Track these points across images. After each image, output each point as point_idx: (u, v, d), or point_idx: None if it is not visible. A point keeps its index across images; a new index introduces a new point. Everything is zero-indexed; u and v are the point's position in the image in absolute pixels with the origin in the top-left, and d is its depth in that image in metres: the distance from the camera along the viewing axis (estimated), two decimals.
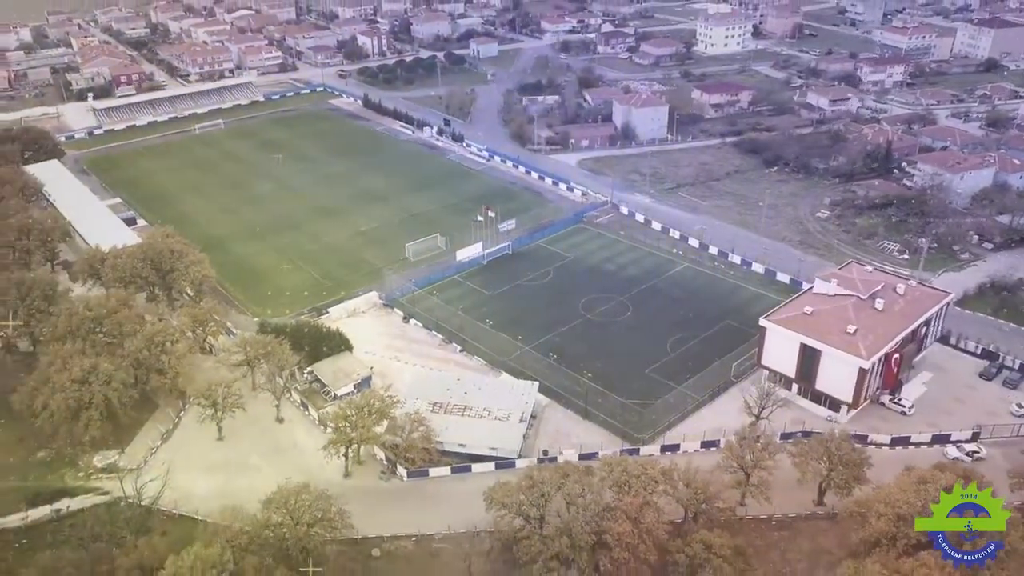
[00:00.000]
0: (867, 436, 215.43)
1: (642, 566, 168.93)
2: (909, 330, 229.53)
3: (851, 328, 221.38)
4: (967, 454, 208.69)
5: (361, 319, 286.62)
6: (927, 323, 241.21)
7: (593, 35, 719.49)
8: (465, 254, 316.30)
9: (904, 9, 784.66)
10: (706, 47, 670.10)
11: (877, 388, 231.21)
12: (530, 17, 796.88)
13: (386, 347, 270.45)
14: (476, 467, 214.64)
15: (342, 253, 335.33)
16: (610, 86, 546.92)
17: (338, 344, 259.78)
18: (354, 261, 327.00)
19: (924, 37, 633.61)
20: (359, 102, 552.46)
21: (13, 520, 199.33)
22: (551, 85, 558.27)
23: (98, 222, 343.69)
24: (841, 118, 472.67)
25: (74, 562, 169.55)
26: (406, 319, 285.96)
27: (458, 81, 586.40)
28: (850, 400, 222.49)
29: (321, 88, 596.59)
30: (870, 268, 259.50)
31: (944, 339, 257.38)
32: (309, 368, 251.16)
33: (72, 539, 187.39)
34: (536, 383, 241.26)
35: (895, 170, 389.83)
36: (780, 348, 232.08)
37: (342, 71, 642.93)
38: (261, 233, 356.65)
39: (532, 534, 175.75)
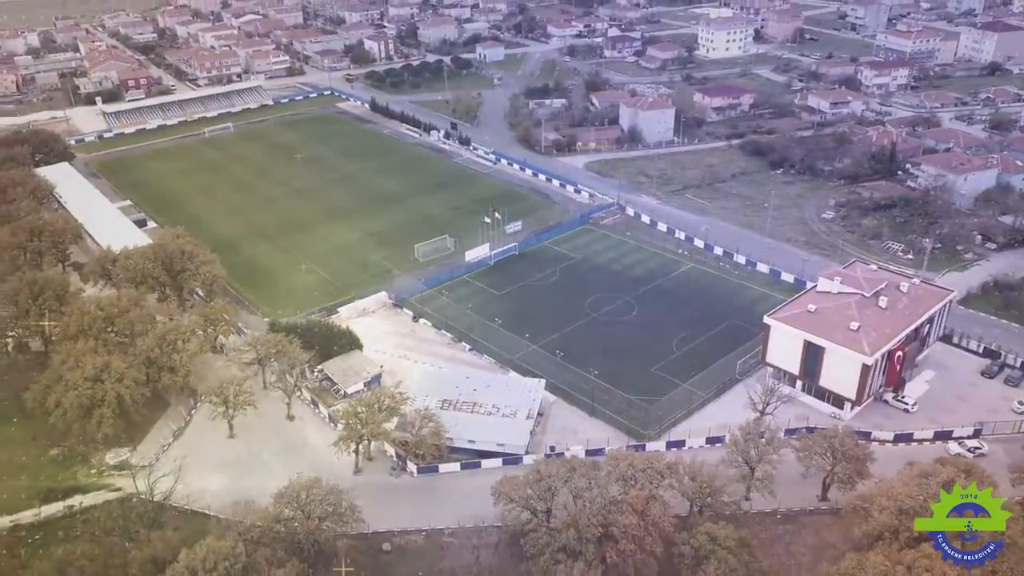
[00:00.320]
0: (870, 433, 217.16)
1: (648, 558, 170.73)
2: (912, 327, 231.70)
3: (854, 325, 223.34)
4: (969, 450, 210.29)
5: (371, 319, 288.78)
6: (930, 321, 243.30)
7: (600, 39, 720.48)
8: (473, 255, 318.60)
9: (908, 14, 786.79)
10: (708, 51, 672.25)
11: (880, 385, 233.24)
12: (536, 22, 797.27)
13: (395, 346, 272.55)
14: (485, 463, 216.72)
15: (351, 254, 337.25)
16: (616, 89, 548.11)
17: (348, 343, 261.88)
18: (363, 262, 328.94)
19: (928, 41, 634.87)
20: (366, 106, 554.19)
21: (26, 516, 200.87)
22: (558, 89, 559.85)
23: (109, 224, 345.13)
24: (843, 121, 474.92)
25: (88, 555, 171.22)
26: (415, 318, 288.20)
27: (465, 85, 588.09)
28: (853, 397, 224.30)
29: (329, 92, 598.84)
30: (874, 267, 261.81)
31: (947, 338, 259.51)
32: (319, 367, 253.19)
33: (85, 534, 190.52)
34: (543, 380, 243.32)
35: (899, 172, 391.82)
36: (784, 345, 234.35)
37: (349, 75, 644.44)
38: (271, 235, 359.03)
39: (539, 527, 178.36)
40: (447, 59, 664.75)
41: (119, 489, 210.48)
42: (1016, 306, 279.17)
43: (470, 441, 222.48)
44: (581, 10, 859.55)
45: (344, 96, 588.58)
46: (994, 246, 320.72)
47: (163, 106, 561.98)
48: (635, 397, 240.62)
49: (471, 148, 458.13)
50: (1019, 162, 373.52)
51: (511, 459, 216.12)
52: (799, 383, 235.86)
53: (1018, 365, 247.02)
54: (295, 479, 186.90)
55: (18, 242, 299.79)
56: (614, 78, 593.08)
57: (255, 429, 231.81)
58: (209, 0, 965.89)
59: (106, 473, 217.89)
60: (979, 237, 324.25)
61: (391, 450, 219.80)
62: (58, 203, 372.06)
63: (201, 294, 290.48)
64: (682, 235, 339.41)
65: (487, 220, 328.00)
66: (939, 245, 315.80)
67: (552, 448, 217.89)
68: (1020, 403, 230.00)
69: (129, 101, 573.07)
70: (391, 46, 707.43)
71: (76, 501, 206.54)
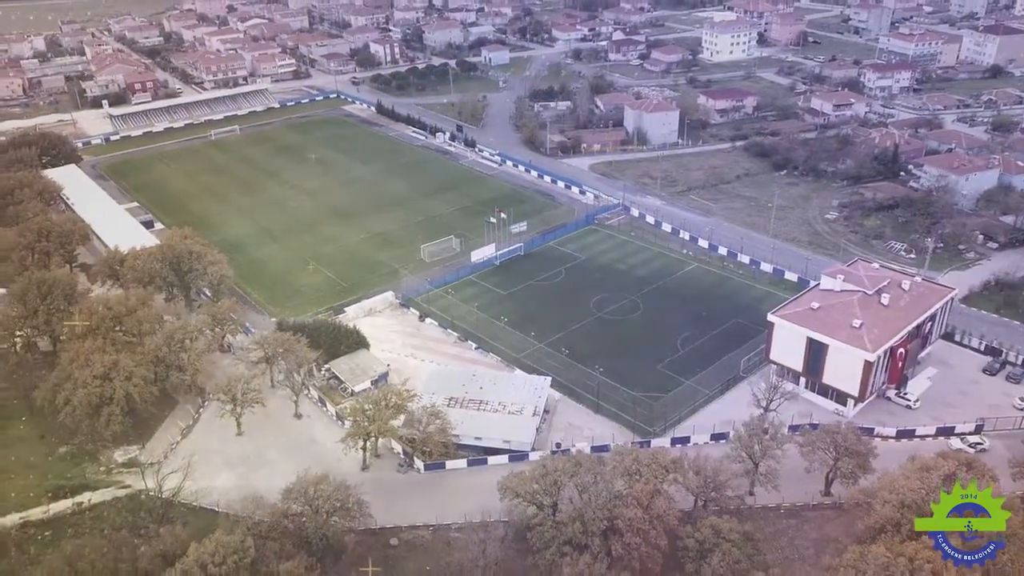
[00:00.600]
0: (873, 429, 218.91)
1: (653, 551, 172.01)
2: (914, 324, 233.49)
3: (857, 322, 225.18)
4: (970, 446, 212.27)
5: (377, 318, 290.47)
6: (932, 318, 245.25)
7: (604, 43, 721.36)
8: (479, 255, 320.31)
9: (911, 17, 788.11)
10: (712, 54, 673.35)
11: (883, 382, 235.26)
12: (541, 25, 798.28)
13: (402, 345, 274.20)
14: (491, 460, 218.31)
15: (358, 255, 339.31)
16: (621, 92, 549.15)
17: (355, 342, 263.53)
18: (370, 263, 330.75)
19: (930, 44, 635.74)
20: (372, 108, 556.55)
21: (36, 513, 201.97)
22: (563, 91, 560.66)
23: (116, 225, 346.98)
24: (846, 123, 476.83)
25: (97, 549, 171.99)
26: (422, 318, 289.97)
27: (470, 88, 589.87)
28: (856, 393, 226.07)
29: (335, 95, 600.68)
30: (876, 265, 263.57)
31: (949, 336, 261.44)
32: (327, 365, 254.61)
33: (94, 530, 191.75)
34: (549, 378, 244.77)
35: (902, 173, 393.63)
36: (788, 343, 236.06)
37: (355, 78, 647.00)
38: (277, 235, 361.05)
39: (545, 521, 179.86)
40: (452, 62, 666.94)
41: (128, 486, 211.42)
42: (1017, 304, 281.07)
43: (476, 438, 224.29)
44: (586, 14, 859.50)
45: (350, 99, 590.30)
46: (995, 245, 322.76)
47: (169, 109, 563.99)
48: (640, 394, 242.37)
49: (477, 150, 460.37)
50: (1020, 163, 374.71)
51: (517, 456, 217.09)
52: (802, 380, 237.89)
53: (1019, 362, 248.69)
54: (303, 474, 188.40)
55: (26, 243, 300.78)
56: (619, 81, 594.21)
57: (263, 427, 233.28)
58: (215, 4, 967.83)
59: (115, 471, 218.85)
60: (981, 236, 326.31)
61: (398, 447, 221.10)
62: (65, 204, 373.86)
63: (208, 294, 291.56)
64: (686, 235, 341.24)
65: (492, 220, 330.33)
66: (941, 244, 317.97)
67: (558, 445, 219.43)
68: (1021, 399, 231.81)
69: (135, 104, 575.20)
70: (397, 50, 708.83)
71: (85, 498, 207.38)
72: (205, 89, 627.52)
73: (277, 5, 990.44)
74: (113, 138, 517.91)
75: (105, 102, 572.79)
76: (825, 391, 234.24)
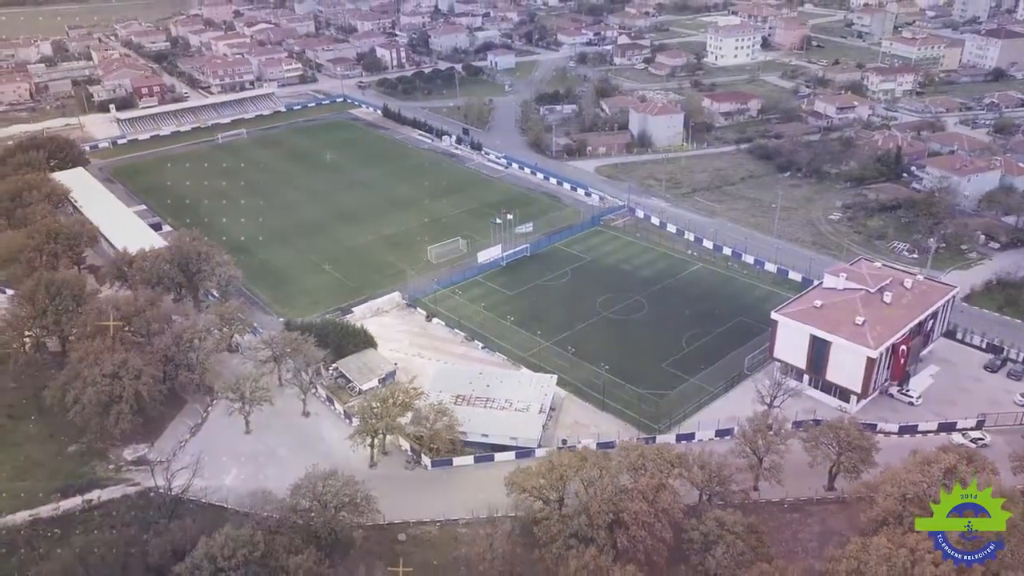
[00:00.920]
0: (876, 425, 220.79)
1: (658, 543, 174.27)
2: (916, 322, 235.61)
3: (859, 320, 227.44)
4: (972, 441, 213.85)
5: (384, 318, 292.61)
6: (934, 316, 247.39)
7: (609, 47, 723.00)
8: (485, 256, 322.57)
9: (914, 21, 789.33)
10: (716, 58, 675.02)
11: (885, 379, 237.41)
12: (547, 30, 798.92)
13: (409, 344, 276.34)
14: (498, 456, 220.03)
15: (365, 256, 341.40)
16: (626, 95, 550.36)
17: (363, 341, 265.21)
18: (377, 264, 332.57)
19: (933, 47, 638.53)
20: (379, 112, 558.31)
21: (45, 511, 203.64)
22: (568, 95, 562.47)
23: (124, 227, 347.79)
24: (849, 125, 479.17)
25: (108, 543, 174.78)
26: (429, 318, 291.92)
27: (476, 92, 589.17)
28: (859, 390, 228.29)
29: (341, 99, 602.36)
30: (879, 264, 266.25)
31: (950, 334, 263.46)
32: (334, 364, 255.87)
33: (103, 527, 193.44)
34: (555, 376, 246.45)
35: (904, 174, 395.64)
36: (791, 340, 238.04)
37: (361, 82, 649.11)
38: (285, 237, 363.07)
39: (552, 514, 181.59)
40: (458, 66, 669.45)
41: (137, 484, 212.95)
42: (1018, 303, 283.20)
43: (483, 435, 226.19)
44: (591, 18, 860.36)
45: (357, 103, 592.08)
46: (997, 245, 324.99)
47: (176, 113, 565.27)
48: (645, 391, 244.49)
49: (483, 153, 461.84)
50: (1021, 164, 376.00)
51: (524, 452, 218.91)
52: (806, 377, 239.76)
53: (1020, 359, 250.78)
54: (311, 470, 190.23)
55: (34, 244, 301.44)
56: (624, 84, 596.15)
57: (271, 425, 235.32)
58: (221, 9, 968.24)
59: (124, 469, 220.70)
60: (982, 237, 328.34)
61: (406, 445, 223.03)
62: (73, 207, 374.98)
63: (216, 295, 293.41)
64: (691, 236, 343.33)
65: (498, 222, 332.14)
66: (943, 245, 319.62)
67: (564, 441, 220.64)
68: (1022, 396, 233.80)
69: (142, 108, 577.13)
70: (403, 54, 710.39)
71: (94, 495, 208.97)
72: (212, 93, 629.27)
73: (283, 10, 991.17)
74: (120, 142, 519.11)
75: (112, 106, 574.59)
76: (828, 388, 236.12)
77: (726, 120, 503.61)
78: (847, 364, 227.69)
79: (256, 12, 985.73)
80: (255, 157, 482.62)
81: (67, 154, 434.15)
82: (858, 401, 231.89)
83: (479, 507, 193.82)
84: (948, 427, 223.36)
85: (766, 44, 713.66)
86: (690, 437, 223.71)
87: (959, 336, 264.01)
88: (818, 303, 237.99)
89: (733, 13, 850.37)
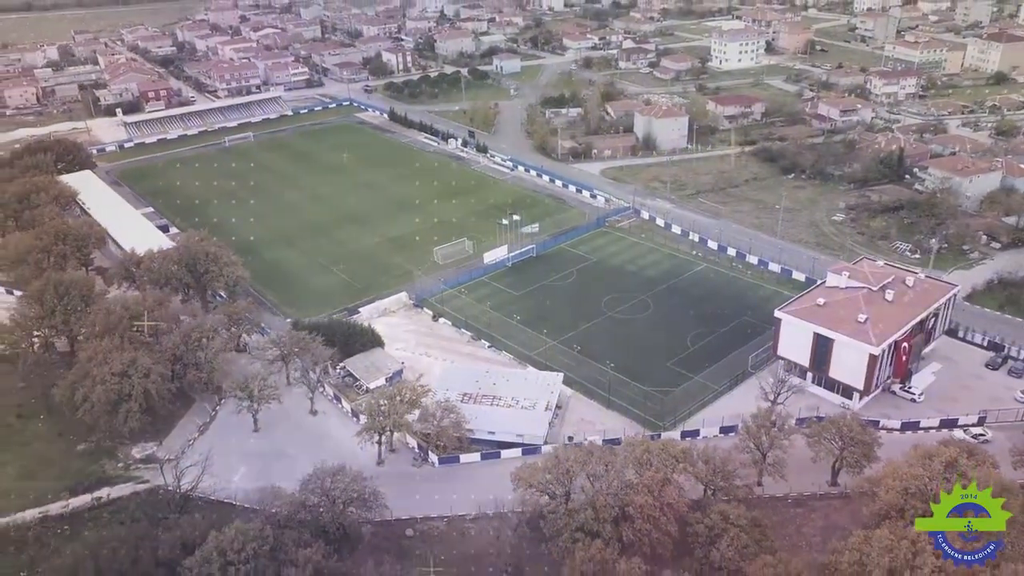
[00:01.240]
0: (878, 421, 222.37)
1: (663, 536, 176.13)
2: (918, 319, 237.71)
3: (862, 317, 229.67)
4: (973, 437, 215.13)
5: (391, 318, 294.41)
6: (935, 314, 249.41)
7: (614, 51, 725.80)
8: (491, 257, 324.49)
9: (917, 26, 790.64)
10: (721, 62, 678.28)
11: (888, 376, 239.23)
12: (552, 34, 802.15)
13: (416, 344, 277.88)
14: (504, 453, 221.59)
15: (372, 258, 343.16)
16: (631, 99, 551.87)
17: (370, 340, 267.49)
18: (383, 265, 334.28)
19: (935, 51, 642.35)
20: (385, 116, 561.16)
21: (55, 508, 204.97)
22: (573, 98, 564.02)
23: (132, 228, 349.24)
24: (852, 128, 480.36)
25: (118, 537, 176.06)
26: (435, 318, 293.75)
27: (482, 96, 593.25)
28: (862, 386, 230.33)
29: (348, 102, 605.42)
30: (881, 263, 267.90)
31: (952, 332, 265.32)
32: (342, 364, 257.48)
33: (113, 523, 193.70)
34: (561, 374, 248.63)
35: (907, 176, 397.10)
36: (795, 338, 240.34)
37: (367, 86, 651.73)
38: (292, 239, 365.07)
39: (558, 508, 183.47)
40: (464, 70, 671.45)
41: (146, 481, 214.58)
42: (1019, 302, 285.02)
43: (490, 432, 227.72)
44: (596, 23, 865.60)
45: (363, 107, 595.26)
46: (998, 245, 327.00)
47: (183, 116, 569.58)
48: (650, 389, 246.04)
49: (489, 156, 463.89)
50: (1022, 165, 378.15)
51: (530, 449, 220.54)
52: (809, 375, 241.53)
53: (1021, 357, 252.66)
54: (320, 466, 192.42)
55: (42, 246, 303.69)
56: (629, 88, 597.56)
57: (279, 424, 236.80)
58: (227, 15, 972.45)
59: (133, 467, 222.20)
60: (984, 237, 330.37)
61: (413, 442, 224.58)
62: (81, 209, 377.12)
63: (224, 295, 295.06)
64: (696, 237, 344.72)
65: (505, 222, 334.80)
66: (946, 245, 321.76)
67: (570, 438, 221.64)
68: (1023, 393, 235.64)
69: (149, 112, 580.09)
70: (409, 58, 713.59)
71: (103, 493, 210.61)
72: (218, 97, 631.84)
73: (290, 15, 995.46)
74: (127, 145, 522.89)
75: (119, 110, 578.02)
76: (831, 385, 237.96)
77: (731, 123, 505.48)
78: (850, 361, 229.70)
79: (262, 17, 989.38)
80: (262, 160, 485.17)
81: (74, 157, 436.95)
82: (861, 398, 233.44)
83: (486, 503, 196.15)
84: (950, 423, 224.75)
85: (770, 48, 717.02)
86: (695, 434, 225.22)
87: (961, 334, 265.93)
88: (821, 301, 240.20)
89: (737, 18, 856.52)
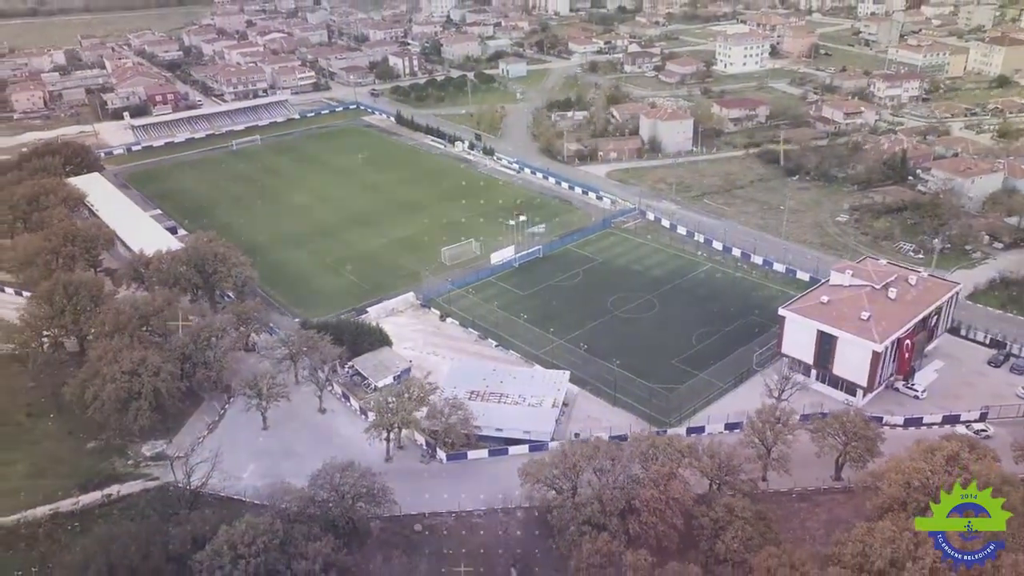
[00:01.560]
0: (882, 417, 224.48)
1: (669, 529, 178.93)
2: (920, 317, 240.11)
3: (865, 315, 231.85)
4: (975, 433, 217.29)
5: (399, 318, 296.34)
6: (938, 312, 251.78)
7: (620, 55, 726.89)
8: (498, 257, 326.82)
9: (920, 30, 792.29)
10: (725, 66, 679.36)
11: (891, 374, 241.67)
12: (558, 39, 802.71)
13: (424, 343, 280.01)
14: (512, 450, 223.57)
15: (379, 259, 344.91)
16: (637, 102, 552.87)
17: (378, 340, 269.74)
18: (391, 266, 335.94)
19: (938, 55, 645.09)
20: (392, 119, 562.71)
21: (65, 505, 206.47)
22: (579, 102, 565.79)
23: (141, 230, 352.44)
24: (856, 130, 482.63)
25: (129, 532, 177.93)
26: (443, 317, 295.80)
27: (488, 99, 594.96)
28: (865, 383, 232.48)
29: (354, 106, 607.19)
30: (884, 262, 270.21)
31: (954, 330, 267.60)
32: (350, 362, 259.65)
33: (123, 519, 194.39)
34: (568, 372, 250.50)
35: (910, 177, 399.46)
36: (799, 336, 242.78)
37: (374, 90, 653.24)
38: (300, 241, 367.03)
39: (565, 502, 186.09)
40: (471, 74, 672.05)
41: (156, 479, 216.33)
42: (1021, 301, 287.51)
43: (497, 429, 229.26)
44: (602, 27, 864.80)
45: (370, 110, 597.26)
46: (1001, 245, 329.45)
47: (191, 120, 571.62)
48: (656, 386, 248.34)
49: (495, 158, 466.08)
50: None
51: (537, 446, 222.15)
52: (813, 372, 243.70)
53: (1023, 354, 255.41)
54: (329, 462, 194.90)
55: (51, 247, 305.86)
56: (634, 92, 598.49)
57: (287, 422, 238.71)
58: (234, 19, 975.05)
59: (143, 464, 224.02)
60: (986, 237, 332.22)
61: (421, 439, 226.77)
62: (89, 211, 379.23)
63: (232, 296, 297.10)
64: (701, 238, 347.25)
65: (511, 223, 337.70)
66: (948, 245, 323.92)
67: (576, 435, 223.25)
68: None
69: (157, 115, 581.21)
70: (415, 62, 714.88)
71: (113, 490, 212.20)
72: (225, 101, 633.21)
73: (296, 20, 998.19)
74: (135, 148, 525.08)
75: (126, 114, 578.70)
76: (835, 382, 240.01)
77: (735, 126, 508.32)
78: (853, 358, 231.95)
79: (269, 22, 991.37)
80: (269, 163, 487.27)
81: (82, 160, 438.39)
82: (864, 395, 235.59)
83: (494, 498, 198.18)
84: (952, 419, 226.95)
85: (774, 52, 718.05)
86: (700, 430, 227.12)
87: (963, 333, 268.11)
88: (825, 299, 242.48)
89: (742, 22, 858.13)
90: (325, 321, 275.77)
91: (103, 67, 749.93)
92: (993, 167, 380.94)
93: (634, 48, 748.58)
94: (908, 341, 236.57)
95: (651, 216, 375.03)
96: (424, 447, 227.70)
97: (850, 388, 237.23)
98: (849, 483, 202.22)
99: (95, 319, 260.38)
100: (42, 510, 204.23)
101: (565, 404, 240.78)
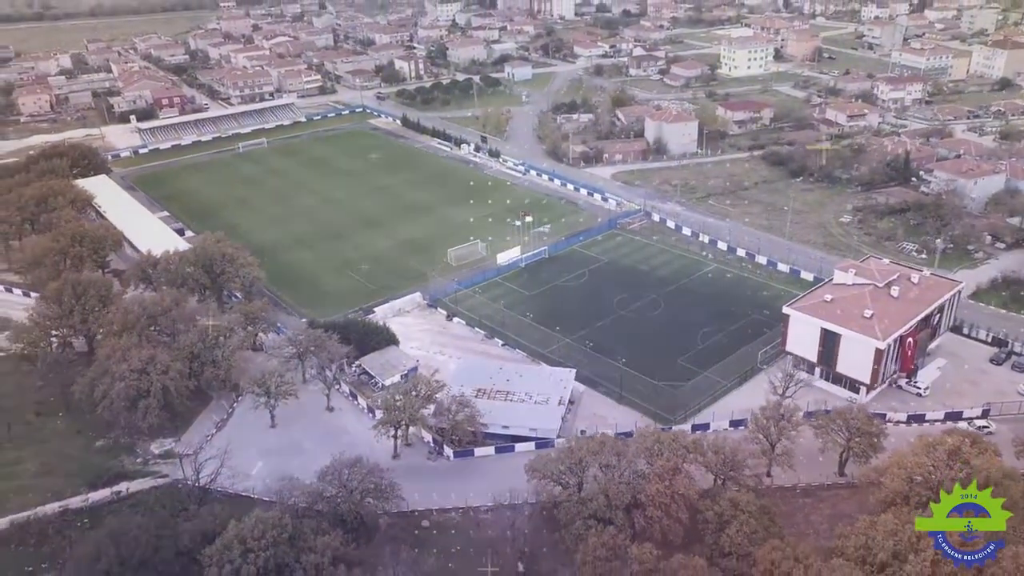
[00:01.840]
0: (885, 414, 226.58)
1: (674, 523, 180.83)
2: (923, 315, 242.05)
3: (868, 313, 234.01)
4: (977, 429, 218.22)
5: (406, 318, 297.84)
6: (940, 310, 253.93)
7: (625, 59, 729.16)
8: (504, 258, 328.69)
9: (923, 34, 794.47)
10: (730, 69, 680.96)
11: (894, 371, 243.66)
12: (563, 43, 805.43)
13: (431, 343, 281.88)
14: (518, 447, 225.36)
15: (386, 260, 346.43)
16: (642, 105, 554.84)
17: (384, 339, 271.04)
18: (397, 267, 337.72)
19: (941, 58, 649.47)
20: (398, 122, 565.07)
21: (75, 502, 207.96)
22: (584, 105, 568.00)
23: (148, 231, 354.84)
24: (859, 132, 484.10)
25: (140, 525, 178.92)
26: (449, 317, 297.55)
27: (494, 102, 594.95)
28: (868, 380, 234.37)
29: (361, 109, 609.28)
30: (887, 261, 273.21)
31: (957, 329, 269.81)
32: (357, 362, 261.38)
33: (133, 515, 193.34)
34: (573, 370, 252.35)
35: (913, 178, 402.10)
36: (802, 334, 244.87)
37: (380, 93, 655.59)
38: (307, 242, 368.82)
39: (571, 497, 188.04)
40: (476, 78, 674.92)
41: (165, 476, 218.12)
42: (1023, 300, 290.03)
43: (504, 427, 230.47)
44: (607, 31, 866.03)
45: (376, 113, 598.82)
46: (1003, 245, 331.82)
47: (197, 123, 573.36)
48: (662, 383, 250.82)
49: (501, 160, 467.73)
50: None
51: (543, 443, 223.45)
52: (817, 370, 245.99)
53: None
54: (337, 457, 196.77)
55: (59, 248, 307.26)
56: (639, 95, 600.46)
57: (296, 419, 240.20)
58: (240, 23, 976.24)
59: (151, 462, 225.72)
60: (989, 237, 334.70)
61: (428, 436, 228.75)
62: (96, 213, 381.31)
63: (240, 296, 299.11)
64: (706, 238, 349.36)
65: (518, 223, 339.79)
66: (951, 245, 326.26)
67: (582, 432, 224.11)
68: None
69: (163, 119, 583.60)
70: (421, 66, 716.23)
71: (123, 487, 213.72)
72: (232, 104, 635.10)
73: (302, 24, 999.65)
74: (142, 151, 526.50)
75: (133, 117, 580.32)
76: (839, 380, 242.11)
77: (740, 128, 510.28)
78: (856, 356, 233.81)
79: (275, 26, 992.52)
80: (276, 165, 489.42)
81: (89, 162, 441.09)
82: (867, 392, 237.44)
83: (501, 494, 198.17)
84: (955, 416, 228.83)
85: (778, 56, 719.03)
86: (705, 427, 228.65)
87: (965, 331, 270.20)
88: (828, 297, 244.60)
89: (746, 26, 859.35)
90: (332, 321, 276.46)
91: (109, 71, 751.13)
92: (995, 168, 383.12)
93: (639, 52, 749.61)
94: (911, 339, 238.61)
95: (656, 217, 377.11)
96: (431, 444, 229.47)
97: (853, 385, 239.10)
98: (852, 479, 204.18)
99: (104, 319, 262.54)
100: (52, 507, 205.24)
101: (571, 402, 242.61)
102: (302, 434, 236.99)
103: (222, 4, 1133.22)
